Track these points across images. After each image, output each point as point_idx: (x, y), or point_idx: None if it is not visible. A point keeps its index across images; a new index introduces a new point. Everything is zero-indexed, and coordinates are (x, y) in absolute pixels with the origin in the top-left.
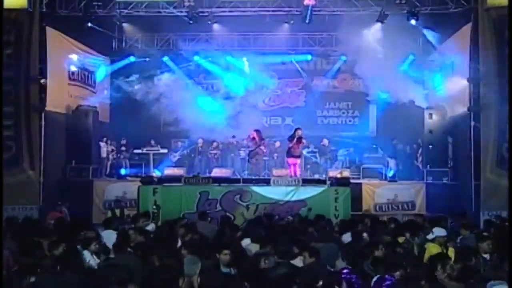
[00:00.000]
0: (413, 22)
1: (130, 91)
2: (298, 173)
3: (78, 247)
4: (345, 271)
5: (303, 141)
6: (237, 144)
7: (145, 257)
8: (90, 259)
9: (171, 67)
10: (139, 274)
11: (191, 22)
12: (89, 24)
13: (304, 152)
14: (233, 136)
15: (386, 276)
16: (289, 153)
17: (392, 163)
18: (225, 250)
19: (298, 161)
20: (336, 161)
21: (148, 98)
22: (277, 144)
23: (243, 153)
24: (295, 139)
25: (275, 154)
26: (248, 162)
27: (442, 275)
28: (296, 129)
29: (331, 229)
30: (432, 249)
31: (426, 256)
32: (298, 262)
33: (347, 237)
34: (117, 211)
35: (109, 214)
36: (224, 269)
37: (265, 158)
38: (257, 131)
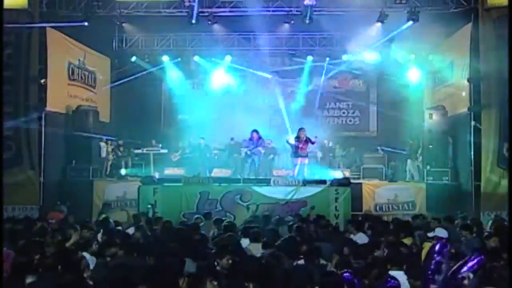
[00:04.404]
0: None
1: (131, 91)
2: (305, 172)
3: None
4: (346, 274)
5: (313, 139)
6: (235, 144)
7: (144, 257)
8: (89, 260)
9: (172, 67)
10: (140, 274)
11: (193, 22)
12: (89, 24)
13: None
14: (232, 139)
15: (389, 278)
16: (296, 154)
17: (411, 165)
18: (227, 255)
19: (306, 160)
20: (336, 161)
21: (149, 98)
22: (277, 144)
23: (243, 154)
24: (303, 140)
25: (271, 155)
26: (246, 162)
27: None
28: (299, 129)
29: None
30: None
31: (423, 255)
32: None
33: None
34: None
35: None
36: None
37: (262, 158)
38: (255, 131)
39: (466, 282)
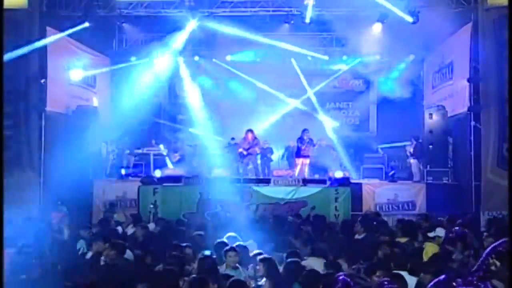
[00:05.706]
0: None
1: (131, 91)
2: (306, 172)
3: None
4: (341, 277)
5: (315, 142)
6: (235, 144)
7: (145, 256)
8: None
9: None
10: (141, 274)
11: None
12: (89, 24)
13: None
14: (232, 138)
15: (385, 282)
16: (298, 154)
17: (415, 164)
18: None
19: (308, 160)
20: (336, 161)
21: (149, 98)
22: (274, 144)
23: (238, 154)
24: (307, 141)
25: (268, 155)
26: (240, 162)
27: None
28: (303, 131)
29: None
30: (430, 248)
31: (424, 255)
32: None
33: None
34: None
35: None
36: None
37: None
38: (250, 131)
39: (493, 268)
